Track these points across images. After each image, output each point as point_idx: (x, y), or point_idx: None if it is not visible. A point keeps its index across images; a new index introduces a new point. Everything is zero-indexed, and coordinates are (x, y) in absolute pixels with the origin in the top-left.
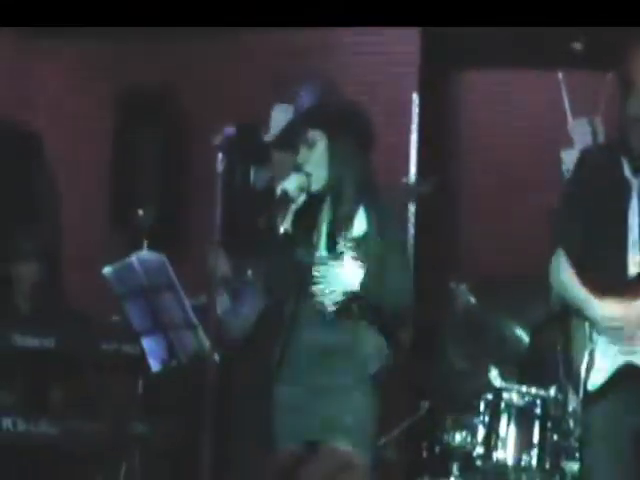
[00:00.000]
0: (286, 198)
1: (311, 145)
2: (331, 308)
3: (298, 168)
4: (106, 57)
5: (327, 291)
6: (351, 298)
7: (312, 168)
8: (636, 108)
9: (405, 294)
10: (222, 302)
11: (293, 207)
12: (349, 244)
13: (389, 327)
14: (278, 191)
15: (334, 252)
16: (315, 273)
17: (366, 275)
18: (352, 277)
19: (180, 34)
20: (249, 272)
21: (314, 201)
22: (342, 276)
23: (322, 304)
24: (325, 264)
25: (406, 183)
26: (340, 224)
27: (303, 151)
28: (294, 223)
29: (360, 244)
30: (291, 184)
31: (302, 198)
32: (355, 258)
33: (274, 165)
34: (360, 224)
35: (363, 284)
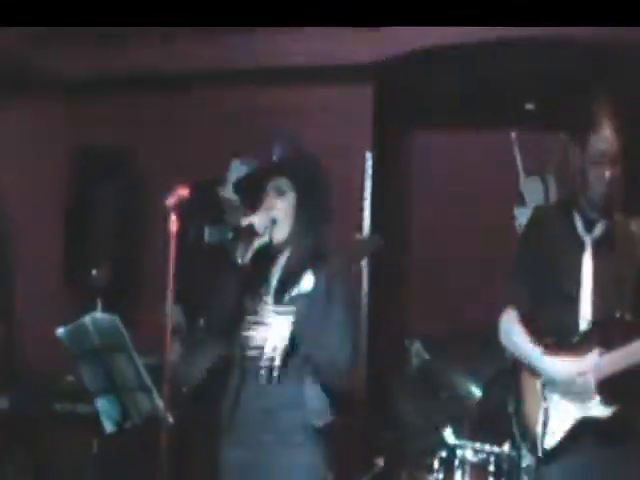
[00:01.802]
0: (252, 231)
1: (280, 193)
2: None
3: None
4: (59, 117)
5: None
6: (288, 353)
7: (279, 216)
8: (596, 146)
9: (343, 355)
10: (174, 351)
11: (256, 244)
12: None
13: (331, 385)
14: (244, 222)
15: (279, 303)
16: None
17: (300, 331)
18: (282, 332)
19: (136, 93)
20: (201, 321)
21: (273, 249)
22: (274, 331)
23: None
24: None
25: (358, 239)
26: (291, 277)
27: (272, 195)
28: (252, 261)
29: (306, 299)
30: (260, 220)
31: (265, 240)
32: (293, 312)
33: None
34: (309, 280)
35: (296, 339)
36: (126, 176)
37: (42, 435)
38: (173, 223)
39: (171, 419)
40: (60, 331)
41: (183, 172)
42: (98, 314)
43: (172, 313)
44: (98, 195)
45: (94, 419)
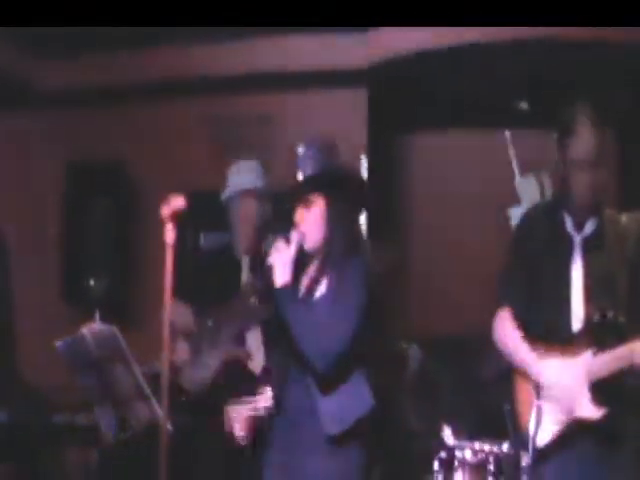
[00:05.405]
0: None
1: (308, 205)
2: None
3: (294, 225)
4: (55, 130)
5: None
6: None
7: (308, 227)
8: (577, 151)
9: (331, 356)
10: (182, 352)
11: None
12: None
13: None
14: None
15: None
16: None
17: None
18: None
19: (129, 104)
20: (209, 322)
21: (303, 259)
22: None
23: None
24: None
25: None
26: (314, 283)
27: (300, 210)
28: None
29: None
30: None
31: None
32: None
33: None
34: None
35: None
36: (121, 187)
37: (42, 447)
38: (169, 232)
39: (171, 427)
40: (59, 344)
41: (179, 181)
42: (96, 325)
43: (172, 318)
44: (94, 207)
45: (93, 430)
